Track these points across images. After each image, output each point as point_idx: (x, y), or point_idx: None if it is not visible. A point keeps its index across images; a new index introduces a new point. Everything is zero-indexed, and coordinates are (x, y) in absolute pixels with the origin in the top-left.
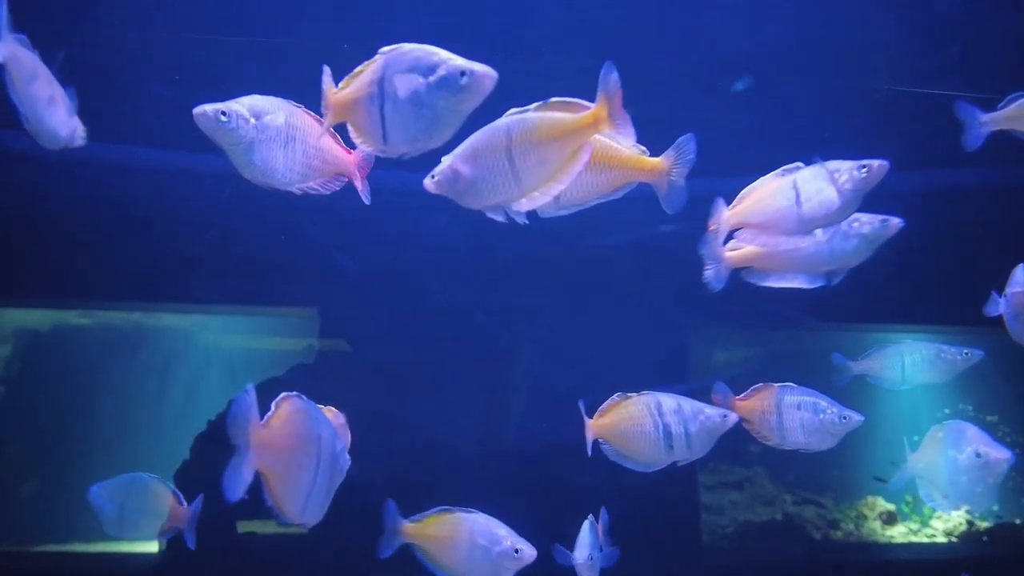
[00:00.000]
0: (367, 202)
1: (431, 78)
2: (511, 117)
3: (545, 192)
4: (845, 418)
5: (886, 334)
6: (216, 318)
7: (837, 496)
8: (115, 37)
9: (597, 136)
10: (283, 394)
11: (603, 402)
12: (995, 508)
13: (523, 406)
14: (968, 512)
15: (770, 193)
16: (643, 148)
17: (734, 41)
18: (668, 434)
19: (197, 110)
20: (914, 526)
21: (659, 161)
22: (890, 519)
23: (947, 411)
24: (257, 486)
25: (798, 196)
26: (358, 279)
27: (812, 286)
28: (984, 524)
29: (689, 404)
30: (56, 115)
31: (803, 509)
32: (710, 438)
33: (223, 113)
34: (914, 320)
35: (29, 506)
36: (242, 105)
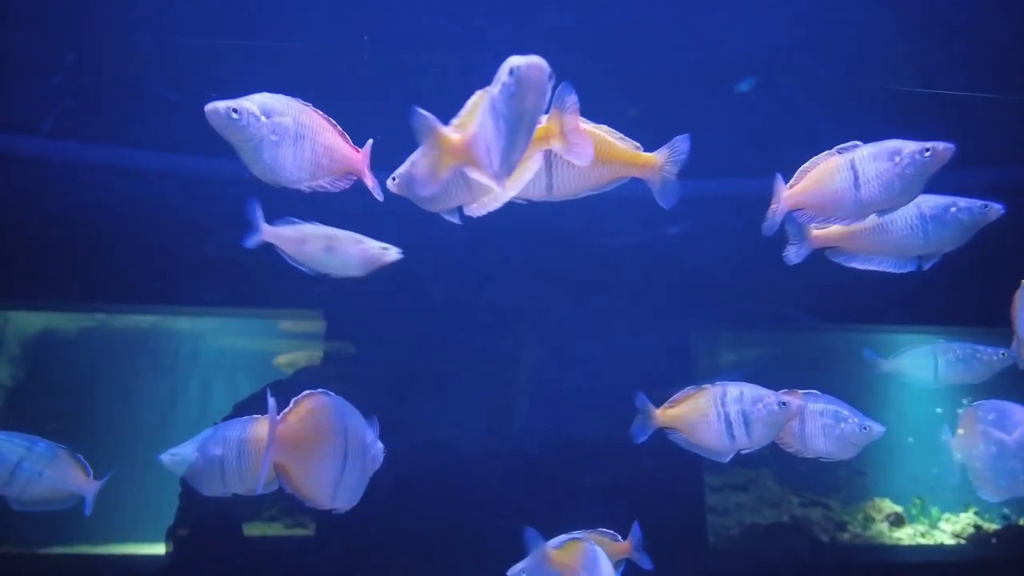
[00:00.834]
0: (379, 198)
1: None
2: None
3: (495, 198)
4: (866, 428)
5: (889, 335)
6: (223, 321)
7: (844, 498)
8: (124, 41)
9: (593, 129)
10: (305, 392)
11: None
12: (1005, 510)
13: (528, 408)
14: (977, 513)
15: (828, 174)
16: (637, 144)
17: (736, 42)
18: (728, 423)
19: (209, 107)
20: (922, 528)
21: (652, 157)
22: (897, 521)
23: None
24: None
25: (856, 178)
26: (363, 282)
27: (901, 271)
28: (992, 526)
29: (752, 392)
30: None
31: (810, 511)
32: (771, 426)
33: (234, 110)
34: (919, 321)
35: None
36: (253, 103)
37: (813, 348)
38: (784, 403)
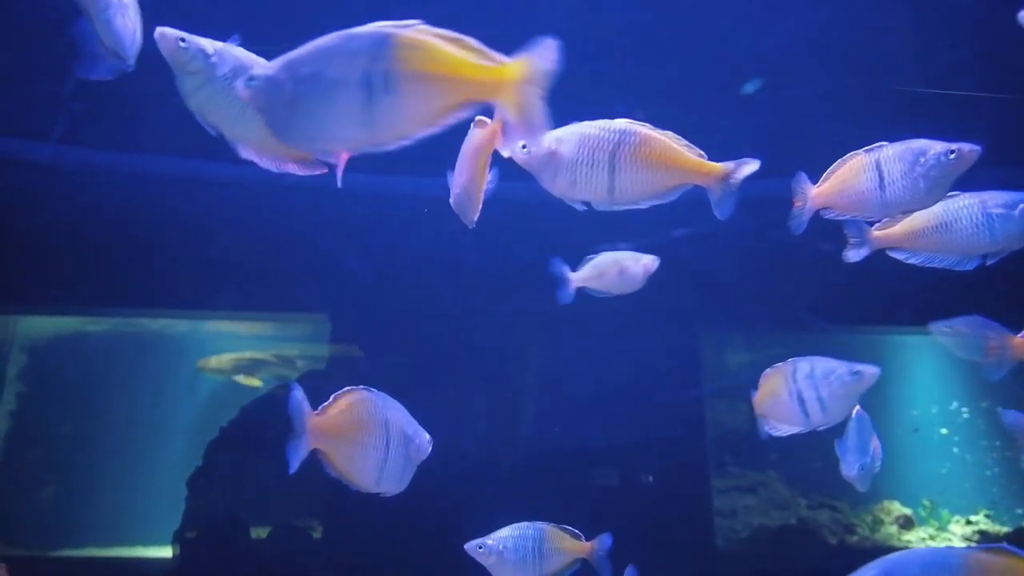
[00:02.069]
0: (339, 185)
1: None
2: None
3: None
4: (857, 373)
5: (897, 336)
6: (228, 324)
7: (852, 500)
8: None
9: (661, 136)
10: (346, 388)
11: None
12: (1019, 511)
13: (536, 411)
14: (988, 516)
15: (854, 173)
16: (702, 152)
17: (744, 43)
18: (801, 400)
19: (159, 31)
20: (932, 531)
21: (718, 167)
22: (907, 523)
23: (965, 411)
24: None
25: (881, 178)
26: (369, 285)
27: (964, 268)
28: (1004, 529)
29: (823, 366)
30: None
31: (818, 513)
32: (845, 399)
33: (182, 40)
34: (927, 323)
35: (46, 511)
36: (209, 42)
37: (822, 350)
38: (857, 372)
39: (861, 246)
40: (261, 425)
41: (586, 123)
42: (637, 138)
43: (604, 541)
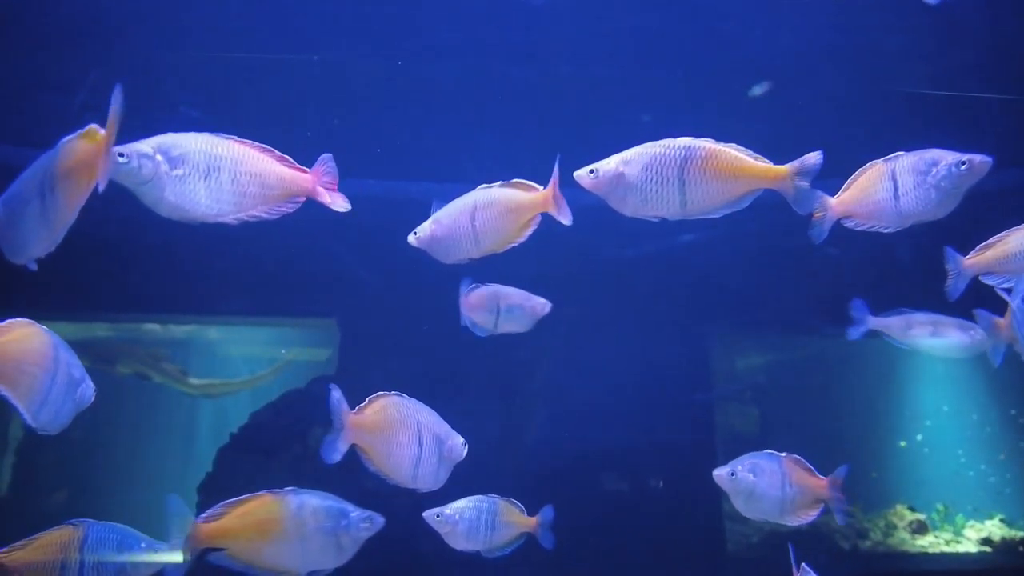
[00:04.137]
0: (344, 209)
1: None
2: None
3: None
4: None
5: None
6: (239, 329)
7: (865, 505)
8: (146, 59)
9: (724, 148)
10: (379, 392)
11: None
12: None
13: (545, 415)
14: (1003, 521)
15: (872, 183)
16: (765, 159)
17: (750, 47)
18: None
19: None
20: (946, 536)
21: (783, 168)
22: (920, 528)
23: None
24: None
25: (896, 188)
26: (378, 290)
27: None
28: (1020, 534)
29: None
30: None
31: (830, 518)
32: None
33: (120, 154)
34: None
35: (59, 516)
36: (147, 144)
37: (832, 353)
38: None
39: (959, 278)
40: (272, 431)
41: (650, 143)
42: (703, 152)
43: (546, 514)
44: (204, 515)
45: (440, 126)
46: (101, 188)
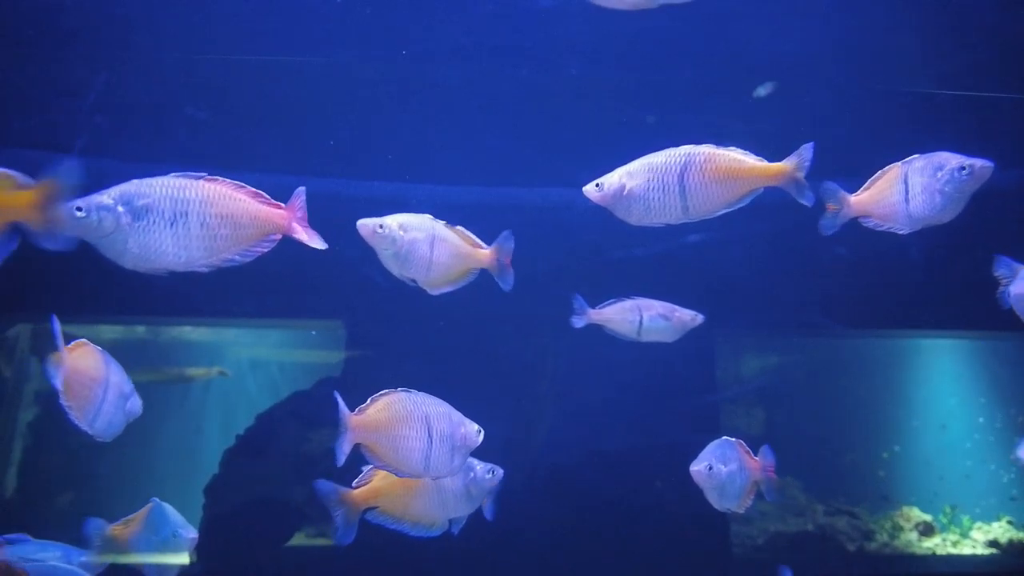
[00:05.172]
0: (320, 247)
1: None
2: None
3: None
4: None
5: (913, 340)
6: (245, 331)
7: (871, 506)
8: (154, 61)
9: (722, 151)
10: (383, 390)
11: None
12: None
13: (552, 417)
14: (1010, 523)
15: (888, 185)
16: (762, 159)
17: (756, 47)
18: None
19: (56, 224)
20: (952, 537)
21: (783, 165)
22: (927, 530)
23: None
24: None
25: (907, 191)
26: (384, 291)
27: None
28: None
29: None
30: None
31: (836, 520)
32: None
33: (78, 208)
34: (943, 326)
35: (66, 517)
36: (106, 195)
37: (839, 354)
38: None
39: (1019, 284)
40: (278, 432)
41: (652, 155)
42: (701, 157)
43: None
44: (356, 480)
45: (449, 129)
46: (57, 247)
